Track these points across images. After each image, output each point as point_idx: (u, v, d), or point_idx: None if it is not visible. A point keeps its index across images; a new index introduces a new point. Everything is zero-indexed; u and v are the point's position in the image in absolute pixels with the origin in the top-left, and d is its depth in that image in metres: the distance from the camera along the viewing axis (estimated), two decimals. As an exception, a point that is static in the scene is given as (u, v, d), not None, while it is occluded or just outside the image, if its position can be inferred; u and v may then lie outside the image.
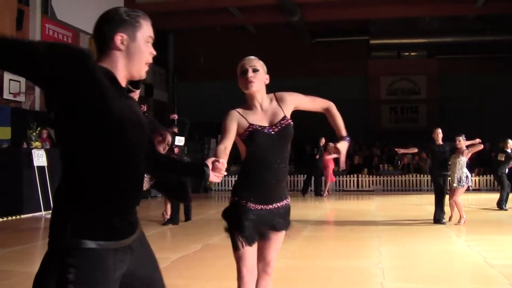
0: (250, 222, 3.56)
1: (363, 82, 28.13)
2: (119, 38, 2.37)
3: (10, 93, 15.42)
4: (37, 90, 17.16)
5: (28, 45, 2.03)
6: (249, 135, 3.55)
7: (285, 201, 3.82)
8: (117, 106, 2.25)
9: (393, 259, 7.56)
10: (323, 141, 19.07)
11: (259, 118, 3.63)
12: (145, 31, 2.44)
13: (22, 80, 16.00)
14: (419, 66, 28.07)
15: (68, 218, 2.21)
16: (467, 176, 11.30)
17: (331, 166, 19.83)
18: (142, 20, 2.44)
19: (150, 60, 2.47)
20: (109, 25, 2.38)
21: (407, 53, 29.15)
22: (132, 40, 2.39)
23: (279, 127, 3.62)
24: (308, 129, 19.97)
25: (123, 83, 2.42)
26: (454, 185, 11.28)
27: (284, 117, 3.68)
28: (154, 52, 2.48)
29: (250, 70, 3.67)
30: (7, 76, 15.25)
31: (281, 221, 3.76)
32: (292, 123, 3.73)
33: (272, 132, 3.58)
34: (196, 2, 21.79)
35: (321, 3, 22.57)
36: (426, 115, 27.78)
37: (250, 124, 3.58)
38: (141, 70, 2.46)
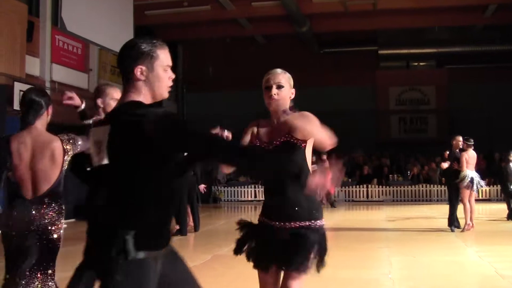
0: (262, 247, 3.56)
1: (372, 93, 28.06)
2: (139, 70, 2.65)
3: (20, 104, 15.52)
4: (47, 101, 17.24)
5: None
6: None
7: (294, 223, 3.56)
8: None
9: (403, 270, 7.53)
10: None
11: (265, 133, 3.69)
12: (163, 60, 2.70)
13: (32, 91, 16.10)
14: (428, 76, 28.00)
15: (126, 233, 2.44)
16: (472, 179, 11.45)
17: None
18: (159, 51, 2.69)
19: (170, 83, 2.76)
20: (129, 59, 2.66)
21: (416, 63, 29.11)
22: (150, 70, 2.66)
23: (275, 145, 3.60)
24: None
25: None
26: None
27: (286, 135, 3.60)
28: (173, 76, 2.77)
29: (274, 87, 3.69)
30: (17, 87, 15.34)
31: (287, 253, 3.48)
32: (295, 141, 3.59)
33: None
34: (205, 13, 21.88)
35: (329, 14, 22.61)
36: (435, 125, 27.69)
37: (255, 138, 3.71)
38: (163, 94, 2.75)
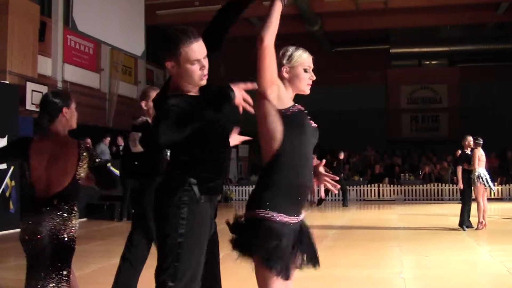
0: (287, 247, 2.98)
1: (383, 91, 28.01)
2: (170, 65, 3.00)
3: (32, 103, 15.59)
4: (59, 101, 17.32)
5: None
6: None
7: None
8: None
9: (414, 269, 7.51)
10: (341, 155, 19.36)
11: None
12: (189, 55, 2.95)
13: (44, 90, 16.18)
14: (440, 75, 27.93)
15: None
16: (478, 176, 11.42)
17: None
18: (182, 48, 2.94)
19: (203, 73, 3.05)
20: (162, 55, 3.02)
21: (427, 62, 29.06)
22: (178, 65, 2.97)
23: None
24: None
25: (193, 89, 3.09)
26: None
27: None
28: (205, 65, 3.04)
29: (311, 72, 3.52)
30: (29, 87, 15.44)
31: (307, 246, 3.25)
32: None
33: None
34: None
35: (341, 13, 22.57)
36: (447, 124, 27.60)
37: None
38: (197, 83, 3.07)
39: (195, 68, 2.99)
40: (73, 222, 3.83)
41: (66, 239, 3.78)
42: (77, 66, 18.03)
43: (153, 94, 4.85)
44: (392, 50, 27.57)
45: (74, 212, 3.86)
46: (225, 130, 3.27)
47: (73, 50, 18.10)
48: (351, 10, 21.69)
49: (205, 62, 3.04)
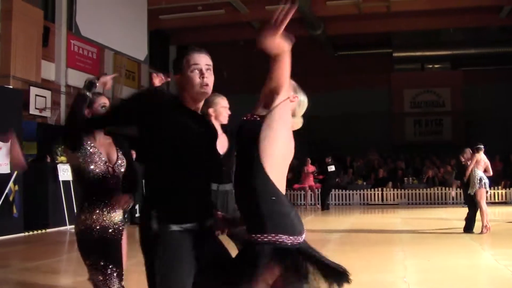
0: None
1: (386, 95, 27.98)
2: (176, 78, 3.08)
3: (36, 108, 15.63)
4: (62, 105, 17.38)
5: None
6: None
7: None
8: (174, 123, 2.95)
9: (418, 273, 7.50)
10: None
11: None
12: (189, 61, 3.01)
13: (48, 95, 16.22)
14: (443, 78, 27.88)
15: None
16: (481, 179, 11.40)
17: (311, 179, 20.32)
18: (185, 58, 3.03)
19: (203, 82, 3.02)
20: (173, 72, 3.10)
21: (430, 66, 29.02)
22: (182, 75, 3.03)
23: None
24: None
25: (192, 104, 3.06)
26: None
27: None
28: (204, 73, 3.02)
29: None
30: (33, 91, 15.47)
31: None
32: None
33: None
34: (219, 17, 21.95)
35: (343, 17, 22.59)
36: (450, 127, 27.55)
37: None
38: (197, 91, 3.02)
39: (195, 74, 3.00)
40: (82, 217, 3.89)
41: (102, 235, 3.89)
42: (81, 71, 18.05)
43: (221, 101, 4.96)
44: (395, 54, 27.55)
45: (82, 207, 3.93)
46: (204, 159, 3.08)
47: (76, 55, 18.14)
48: (353, 14, 21.72)
49: (206, 72, 3.03)
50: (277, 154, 2.82)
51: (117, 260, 3.92)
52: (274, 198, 2.77)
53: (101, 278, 3.81)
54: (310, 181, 20.52)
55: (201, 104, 3.12)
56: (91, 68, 18.89)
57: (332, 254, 9.32)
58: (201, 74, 3.01)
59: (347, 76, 27.40)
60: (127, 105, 3.15)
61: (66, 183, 13.12)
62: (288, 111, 2.95)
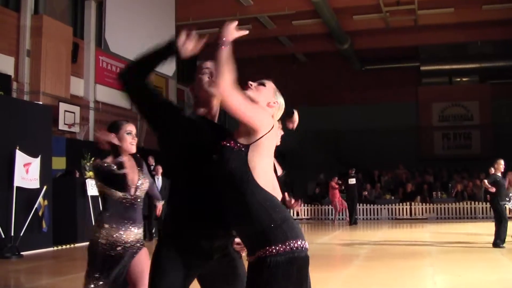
0: None
1: (414, 109, 27.83)
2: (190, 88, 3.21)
3: (65, 124, 15.82)
4: (91, 121, 17.57)
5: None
6: None
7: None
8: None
9: (448, 289, 7.40)
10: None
11: None
12: (201, 68, 3.19)
13: (77, 111, 16.41)
14: (471, 92, 27.66)
15: None
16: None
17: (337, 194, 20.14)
18: (197, 66, 3.17)
19: (211, 80, 3.07)
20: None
21: (458, 79, 28.81)
22: (194, 81, 3.15)
23: None
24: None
25: (206, 112, 3.10)
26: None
27: None
28: (213, 72, 3.01)
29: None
30: (62, 107, 15.67)
31: None
32: None
33: None
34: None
35: (370, 31, 22.57)
36: (479, 141, 27.28)
37: None
38: (206, 90, 3.06)
39: (205, 76, 3.10)
40: (94, 228, 4.10)
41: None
42: (109, 87, 18.26)
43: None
44: (423, 68, 27.43)
45: (97, 219, 4.16)
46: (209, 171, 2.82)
47: (105, 71, 18.35)
48: (380, 28, 21.68)
49: (214, 71, 2.92)
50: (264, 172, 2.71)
51: (112, 277, 3.99)
52: (272, 208, 2.66)
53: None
54: (337, 195, 20.40)
55: (215, 110, 3.10)
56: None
57: (360, 269, 9.30)
58: (211, 75, 3.06)
59: (374, 90, 27.33)
60: (168, 105, 3.06)
61: (94, 198, 13.21)
62: (272, 137, 2.80)
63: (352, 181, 19.52)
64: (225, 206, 2.72)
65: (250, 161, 2.65)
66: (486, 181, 11.94)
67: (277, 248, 2.54)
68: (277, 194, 2.82)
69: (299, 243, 2.60)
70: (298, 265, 2.57)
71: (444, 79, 28.68)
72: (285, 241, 2.57)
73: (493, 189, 11.70)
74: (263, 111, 2.83)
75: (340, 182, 20.50)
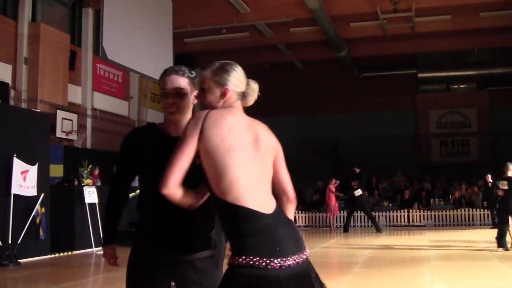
0: None
1: (412, 116, 27.86)
2: None
3: (62, 131, 15.82)
4: (89, 128, 17.57)
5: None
6: None
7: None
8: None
9: (446, 296, 7.39)
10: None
11: None
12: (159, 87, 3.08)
13: (74, 118, 16.41)
14: (469, 99, 27.70)
15: None
16: None
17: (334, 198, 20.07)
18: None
19: (167, 109, 3.01)
20: None
21: (456, 86, 28.84)
22: None
23: None
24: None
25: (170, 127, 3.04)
26: None
27: None
28: (167, 98, 3.00)
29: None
30: (60, 115, 15.67)
31: None
32: None
33: None
34: (244, 40, 22.10)
35: (368, 38, 22.62)
36: (477, 148, 27.30)
37: None
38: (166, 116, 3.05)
39: (164, 100, 3.10)
40: None
41: None
42: (107, 94, 18.28)
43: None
44: (420, 75, 27.47)
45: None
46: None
47: (102, 78, 18.37)
48: (378, 35, 21.72)
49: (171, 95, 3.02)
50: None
51: None
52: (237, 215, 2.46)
53: None
54: (333, 200, 20.30)
55: (182, 124, 2.95)
56: (117, 91, 19.12)
57: (358, 276, 9.28)
58: (166, 97, 3.02)
59: (372, 98, 27.36)
60: (123, 158, 3.10)
61: (92, 205, 13.20)
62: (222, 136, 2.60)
63: (358, 192, 19.35)
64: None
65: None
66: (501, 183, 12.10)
67: (239, 259, 2.38)
68: (261, 197, 2.55)
69: (264, 259, 2.36)
70: (256, 282, 2.35)
71: (441, 86, 28.71)
72: (247, 254, 2.38)
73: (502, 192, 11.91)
74: (181, 143, 2.60)
75: (339, 191, 20.50)
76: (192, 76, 3.06)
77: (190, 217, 2.80)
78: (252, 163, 2.57)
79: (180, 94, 2.98)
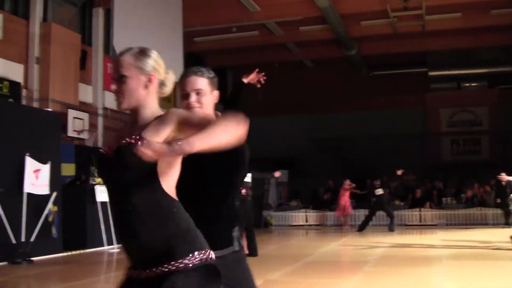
0: None
1: (422, 115, 27.75)
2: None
3: (74, 130, 15.86)
4: (100, 127, 17.61)
5: None
6: None
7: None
8: None
9: (458, 295, 7.35)
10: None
11: None
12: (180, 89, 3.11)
13: (86, 117, 16.46)
14: (480, 97, 27.54)
15: None
16: None
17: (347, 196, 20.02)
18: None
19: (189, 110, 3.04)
20: None
21: (467, 84, 28.69)
22: None
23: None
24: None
25: None
26: None
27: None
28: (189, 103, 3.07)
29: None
30: (71, 114, 15.72)
31: None
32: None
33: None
34: (254, 39, 22.10)
35: (377, 37, 22.55)
36: (488, 146, 27.16)
37: None
38: None
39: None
40: None
41: None
42: (118, 93, 18.31)
43: None
44: (431, 73, 27.36)
45: None
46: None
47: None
48: (388, 33, 21.66)
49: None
50: None
51: None
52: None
53: None
54: (346, 198, 20.28)
55: None
56: (128, 90, 19.15)
57: (369, 275, 9.26)
58: (187, 98, 3.11)
59: (382, 96, 27.26)
60: None
61: (103, 204, 13.22)
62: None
63: (379, 191, 19.32)
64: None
65: None
66: None
67: (185, 261, 2.29)
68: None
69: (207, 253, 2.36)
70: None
71: (452, 84, 28.56)
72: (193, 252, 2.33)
73: None
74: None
75: (356, 189, 20.49)
76: (211, 76, 3.11)
77: (212, 215, 2.82)
78: None
79: (200, 94, 3.05)
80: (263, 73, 4.13)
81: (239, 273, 2.96)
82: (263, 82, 4.14)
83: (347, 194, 20.28)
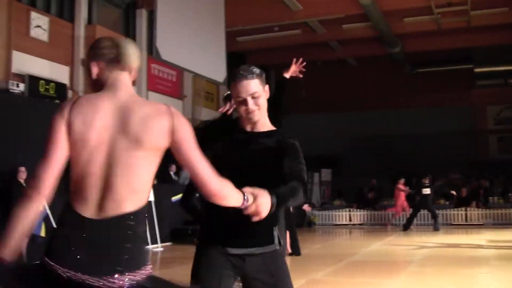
0: None
1: (468, 112, 27.30)
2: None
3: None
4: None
5: None
6: None
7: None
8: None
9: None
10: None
11: None
12: (233, 95, 3.09)
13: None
14: (527, 93, 26.97)
15: None
16: None
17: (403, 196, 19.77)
18: (231, 88, 3.09)
19: (248, 109, 3.05)
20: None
21: (514, 80, 28.11)
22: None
23: None
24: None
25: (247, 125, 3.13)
26: None
27: None
28: (248, 103, 3.03)
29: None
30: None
31: None
32: None
33: None
34: (296, 37, 22.06)
35: (421, 33, 22.26)
36: (536, 144, 26.57)
37: None
38: (246, 120, 3.10)
39: (239, 105, 3.16)
40: None
41: None
42: (161, 94, 18.48)
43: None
44: (476, 70, 26.89)
45: None
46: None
47: (156, 78, 18.59)
48: (432, 30, 21.35)
49: (251, 101, 3.09)
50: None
51: None
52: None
53: None
54: (402, 198, 20.12)
55: (259, 122, 3.12)
56: (171, 90, 19.32)
57: (414, 275, 9.15)
58: (245, 104, 3.05)
59: (425, 94, 26.93)
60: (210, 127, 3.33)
61: (148, 203, 13.34)
62: None
63: (427, 191, 19.09)
64: None
65: None
66: None
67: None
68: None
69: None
70: None
71: (499, 81, 28.00)
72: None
73: None
74: None
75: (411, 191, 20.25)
76: (259, 73, 3.11)
77: None
78: None
79: (256, 97, 3.04)
80: (301, 60, 4.24)
81: (277, 271, 3.01)
82: (304, 70, 4.26)
83: (402, 194, 20.09)
